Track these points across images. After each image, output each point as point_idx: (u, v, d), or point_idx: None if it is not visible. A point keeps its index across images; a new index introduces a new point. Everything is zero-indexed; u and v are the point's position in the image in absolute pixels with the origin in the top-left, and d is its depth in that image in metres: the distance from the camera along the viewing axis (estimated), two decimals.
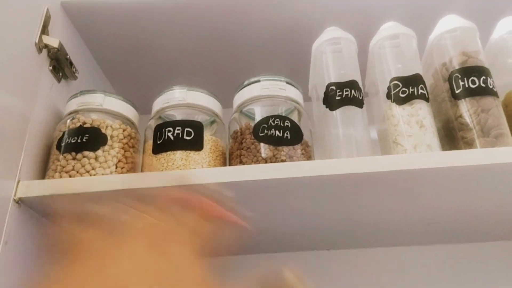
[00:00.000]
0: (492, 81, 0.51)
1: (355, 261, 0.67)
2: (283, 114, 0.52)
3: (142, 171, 0.52)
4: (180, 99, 0.54)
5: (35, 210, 0.49)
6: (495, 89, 0.50)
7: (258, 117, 0.52)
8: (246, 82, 0.55)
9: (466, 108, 0.50)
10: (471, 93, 0.50)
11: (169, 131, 0.51)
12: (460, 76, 0.51)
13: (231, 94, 0.57)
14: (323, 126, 0.52)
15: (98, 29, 0.64)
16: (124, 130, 0.54)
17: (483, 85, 0.50)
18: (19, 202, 0.47)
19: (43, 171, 0.52)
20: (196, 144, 0.50)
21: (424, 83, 0.52)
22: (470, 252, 0.66)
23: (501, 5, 0.60)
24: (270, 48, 0.68)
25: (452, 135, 0.51)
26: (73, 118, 0.53)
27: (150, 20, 0.63)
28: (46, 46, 0.54)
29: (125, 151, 0.53)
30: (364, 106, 0.52)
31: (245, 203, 0.47)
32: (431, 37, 0.56)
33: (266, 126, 0.50)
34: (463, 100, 0.50)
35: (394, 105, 0.51)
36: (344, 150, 0.49)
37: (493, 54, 0.56)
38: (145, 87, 0.73)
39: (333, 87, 0.52)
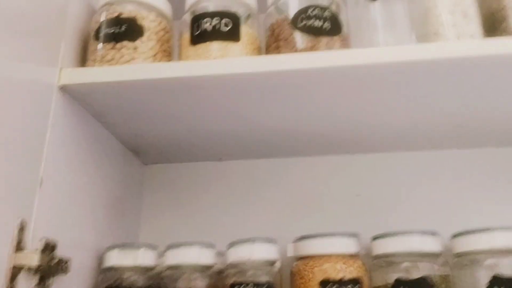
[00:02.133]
0: None
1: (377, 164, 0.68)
2: (323, 4, 0.50)
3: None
4: None
5: (76, 99, 0.50)
6: None
7: (294, 9, 0.51)
8: None
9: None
10: None
11: (207, 22, 0.51)
12: None
13: None
14: (361, 18, 0.51)
15: None
16: (159, 23, 0.53)
17: None
18: (63, 89, 0.48)
19: (83, 61, 0.52)
20: (233, 35, 0.50)
21: None
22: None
23: None
24: None
25: (495, 27, 0.50)
26: (109, 9, 0.52)
27: None
28: None
29: (162, 44, 0.53)
30: None
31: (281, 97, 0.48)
32: None
33: (304, 16, 0.49)
34: None
35: None
36: (382, 40, 0.48)
37: None
38: None
39: None
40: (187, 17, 0.54)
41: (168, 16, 0.56)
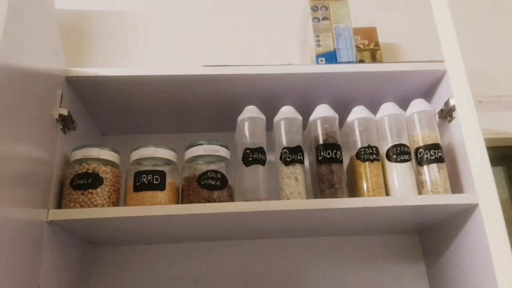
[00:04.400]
0: (341, 153, 0.86)
1: None
2: (216, 168, 0.84)
3: (125, 202, 0.82)
4: (151, 154, 0.84)
5: (60, 228, 0.79)
6: (341, 158, 0.86)
7: (200, 169, 0.84)
8: (195, 143, 0.86)
9: (322, 170, 0.85)
10: (326, 161, 0.85)
11: (144, 177, 0.82)
12: (322, 149, 0.86)
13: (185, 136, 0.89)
14: (240, 176, 0.85)
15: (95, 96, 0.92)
16: (113, 172, 0.83)
17: (334, 156, 0.85)
18: (50, 222, 0.76)
19: (59, 202, 0.80)
20: (161, 186, 0.82)
21: (302, 151, 0.86)
22: None
23: (354, 97, 0.96)
24: (210, 113, 1.01)
25: (316, 185, 0.87)
26: (80, 165, 0.81)
27: (134, 89, 0.92)
28: (60, 115, 0.81)
29: (114, 186, 0.83)
30: (266, 164, 0.86)
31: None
32: (310, 119, 0.91)
33: (205, 177, 0.82)
34: (322, 165, 0.85)
35: (283, 165, 0.85)
36: (250, 195, 0.83)
37: (345, 134, 0.91)
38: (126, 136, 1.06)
39: (248, 151, 0.85)
40: (132, 168, 0.84)
41: (118, 164, 0.86)
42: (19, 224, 0.66)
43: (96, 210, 0.78)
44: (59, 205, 0.80)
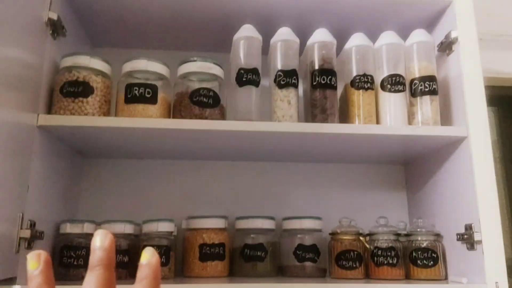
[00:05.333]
0: (335, 79, 0.85)
1: None
2: (208, 86, 0.83)
3: (116, 114, 0.82)
4: (143, 67, 0.82)
5: (50, 135, 0.78)
6: (335, 85, 0.85)
7: (193, 86, 0.83)
8: (188, 59, 0.85)
9: (316, 95, 0.85)
10: (320, 86, 0.84)
11: (136, 89, 0.81)
12: (317, 74, 0.85)
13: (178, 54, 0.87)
14: (233, 96, 0.85)
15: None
16: (104, 83, 0.82)
17: (329, 82, 0.85)
18: (40, 127, 0.75)
19: (49, 109, 0.79)
20: (152, 99, 0.81)
21: (297, 75, 0.85)
22: None
23: (354, 24, 0.93)
24: (205, 31, 0.98)
25: (308, 110, 0.87)
26: (70, 72, 0.80)
27: None
28: (49, 19, 0.78)
29: (105, 97, 0.82)
30: (260, 86, 0.85)
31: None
32: (308, 43, 0.89)
33: (197, 94, 0.82)
34: (317, 90, 0.85)
35: (276, 88, 0.84)
36: (241, 116, 0.83)
37: (342, 61, 0.90)
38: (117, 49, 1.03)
39: (242, 71, 0.84)
40: (123, 80, 0.83)
41: (110, 75, 0.84)
42: (9, 126, 0.66)
43: (87, 118, 0.77)
44: (49, 112, 0.79)
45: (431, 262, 0.83)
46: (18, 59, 0.68)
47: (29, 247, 0.71)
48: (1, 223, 0.65)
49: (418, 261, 0.84)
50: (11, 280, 0.67)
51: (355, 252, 0.85)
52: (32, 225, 0.72)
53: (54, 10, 0.79)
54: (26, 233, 0.70)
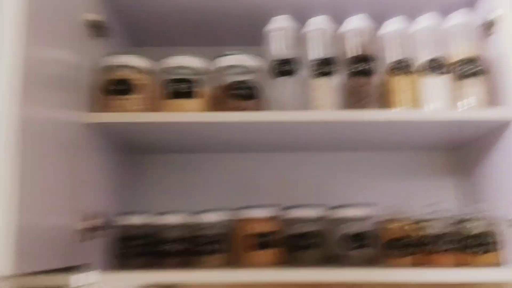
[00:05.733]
0: (374, 66, 0.84)
1: None
2: (245, 79, 0.84)
3: (158, 110, 0.84)
4: (181, 63, 0.84)
5: (96, 132, 0.82)
6: (373, 72, 0.84)
7: (230, 79, 0.84)
8: (226, 53, 0.86)
9: (353, 82, 0.84)
10: (358, 73, 0.84)
11: (175, 85, 0.83)
12: (354, 61, 0.84)
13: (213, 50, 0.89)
14: (270, 88, 0.85)
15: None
16: (145, 80, 0.84)
17: (367, 69, 0.84)
18: (89, 125, 0.79)
19: (94, 106, 0.83)
20: (192, 94, 0.83)
21: (333, 63, 0.85)
22: None
23: (392, 7, 0.91)
24: (239, 25, 1.01)
25: (346, 98, 0.86)
26: (113, 71, 0.83)
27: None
28: (92, 20, 0.81)
29: (146, 94, 0.84)
30: (296, 76, 0.85)
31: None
32: (344, 30, 0.88)
33: (237, 86, 0.83)
34: (354, 77, 0.84)
35: (313, 77, 0.84)
36: (278, 107, 0.83)
37: (379, 46, 0.88)
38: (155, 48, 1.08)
39: (276, 62, 0.84)
40: (165, 76, 0.85)
41: (150, 71, 0.87)
42: (58, 124, 0.70)
43: (130, 115, 0.80)
44: (94, 110, 0.83)
45: (487, 248, 0.81)
46: (63, 60, 0.72)
47: (91, 237, 0.76)
48: (63, 216, 0.69)
49: (474, 248, 0.81)
50: (75, 268, 0.72)
51: (406, 239, 0.84)
52: (92, 217, 0.77)
53: (97, 12, 0.83)
54: (87, 225, 0.75)
